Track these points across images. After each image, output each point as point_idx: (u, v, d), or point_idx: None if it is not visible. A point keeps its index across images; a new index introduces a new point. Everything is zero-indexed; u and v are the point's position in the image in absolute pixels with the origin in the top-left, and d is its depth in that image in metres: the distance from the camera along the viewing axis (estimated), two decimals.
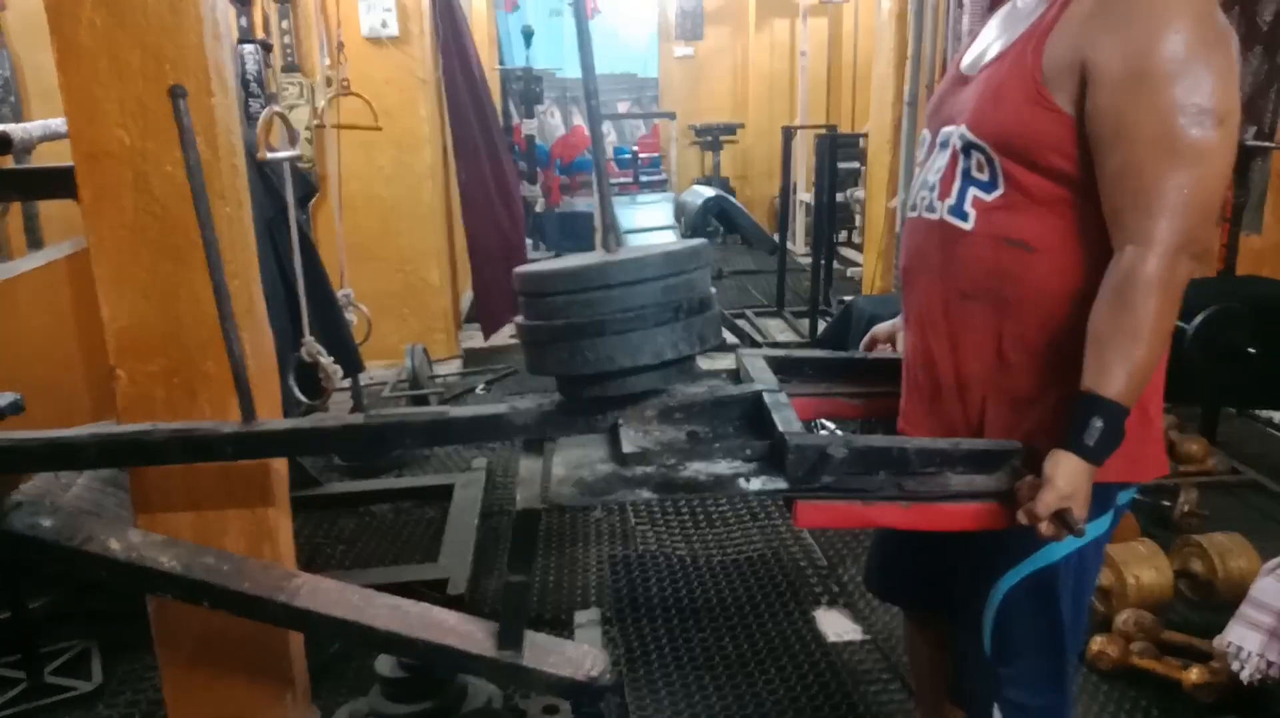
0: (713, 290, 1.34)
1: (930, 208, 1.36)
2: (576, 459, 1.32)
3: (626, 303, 1.24)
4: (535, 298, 1.31)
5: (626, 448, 1.28)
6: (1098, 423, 1.16)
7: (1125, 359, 1.15)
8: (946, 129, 1.35)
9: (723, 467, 1.26)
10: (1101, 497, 1.30)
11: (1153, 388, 1.30)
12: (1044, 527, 1.18)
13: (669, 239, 6.77)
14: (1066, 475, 1.17)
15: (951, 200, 1.32)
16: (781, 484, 1.23)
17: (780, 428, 1.25)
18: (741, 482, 1.25)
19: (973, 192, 1.29)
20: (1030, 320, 1.27)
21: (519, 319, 1.35)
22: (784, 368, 1.56)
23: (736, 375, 1.54)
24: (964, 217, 1.30)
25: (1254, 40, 3.99)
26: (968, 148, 1.29)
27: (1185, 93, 1.12)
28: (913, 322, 1.43)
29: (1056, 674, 1.37)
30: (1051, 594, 1.32)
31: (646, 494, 1.26)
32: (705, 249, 1.35)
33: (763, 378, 1.45)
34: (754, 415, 1.35)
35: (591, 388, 1.31)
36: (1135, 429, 1.28)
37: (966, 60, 1.39)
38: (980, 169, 1.28)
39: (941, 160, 1.35)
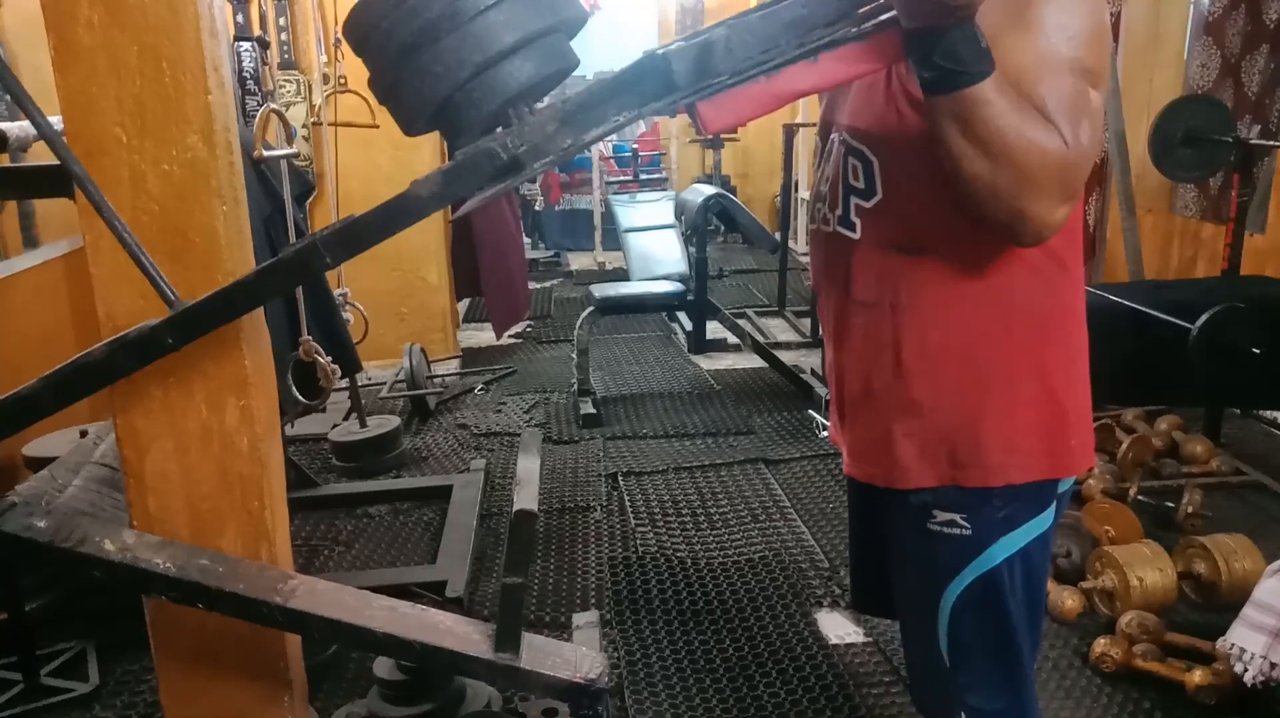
0: None
1: (825, 220, 1.35)
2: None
3: None
4: (366, 40, 1.19)
5: (516, 147, 1.17)
6: (981, 40, 1.04)
7: (1002, 95, 1.06)
8: (833, 135, 1.34)
9: (622, 119, 1.18)
10: (1040, 492, 1.30)
11: (1068, 381, 1.30)
12: None
13: (669, 236, 6.76)
14: None
15: (839, 211, 1.31)
16: (677, 95, 1.14)
17: (661, 51, 1.13)
18: (639, 113, 1.16)
19: (854, 200, 1.28)
20: (926, 325, 1.25)
21: (372, 84, 1.23)
22: None
23: None
24: (851, 226, 1.29)
25: (1260, 39, 3.98)
26: (846, 154, 1.28)
27: (1060, 39, 1.10)
28: (827, 335, 1.43)
29: (1014, 676, 1.35)
30: (999, 596, 1.31)
31: (539, 172, 1.20)
32: None
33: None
34: (654, 73, 1.17)
35: (467, 111, 1.18)
36: (1054, 423, 1.27)
37: None
38: (856, 176, 1.27)
39: (829, 169, 1.34)
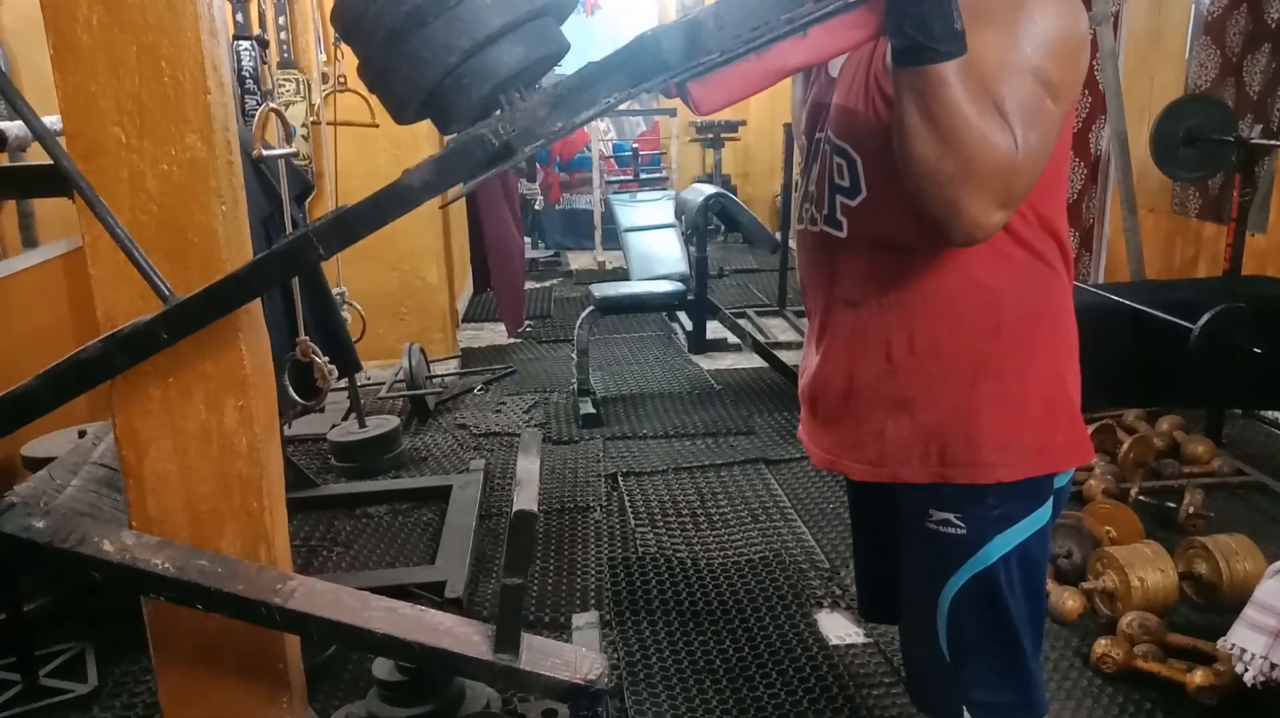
0: None
1: (813, 220, 1.35)
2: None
3: None
4: (353, 26, 1.19)
5: (506, 132, 1.16)
6: (958, 12, 1.03)
7: (963, 84, 1.04)
8: (817, 136, 1.34)
9: (613, 99, 1.17)
10: (1034, 488, 1.29)
11: (1058, 378, 1.30)
12: None
13: (670, 235, 6.75)
14: None
15: (825, 210, 1.31)
16: (668, 74, 1.13)
17: (649, 32, 1.13)
18: (630, 94, 1.16)
19: (840, 199, 1.28)
20: (914, 323, 1.26)
21: (361, 72, 1.23)
22: None
23: None
24: (837, 225, 1.29)
25: (1262, 38, 3.98)
26: (831, 153, 1.28)
27: (1030, 45, 1.10)
28: (811, 337, 1.43)
29: (1017, 670, 1.35)
30: (996, 594, 1.31)
31: (530, 155, 1.18)
32: None
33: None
34: (644, 52, 1.16)
35: (457, 97, 1.17)
36: (1045, 420, 1.28)
37: (834, 63, 1.35)
38: (841, 174, 1.27)
39: (816, 169, 1.34)
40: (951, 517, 1.29)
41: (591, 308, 4.45)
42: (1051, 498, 1.33)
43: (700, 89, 1.13)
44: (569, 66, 1.31)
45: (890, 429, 1.30)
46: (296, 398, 2.75)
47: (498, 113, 1.19)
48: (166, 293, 1.50)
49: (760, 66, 1.11)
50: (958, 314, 1.24)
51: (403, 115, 1.25)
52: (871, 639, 2.44)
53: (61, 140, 1.59)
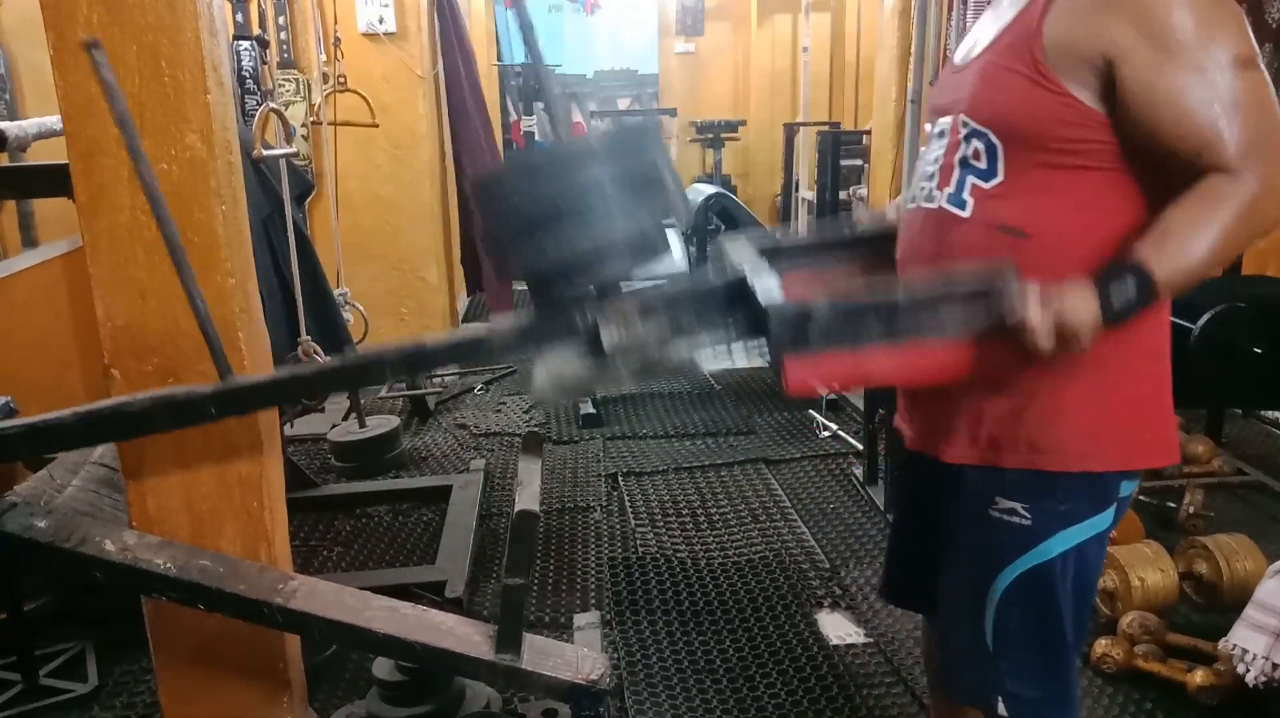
0: (667, 165, 1.33)
1: (929, 198, 1.35)
2: (558, 366, 1.30)
3: (577, 185, 1.22)
4: (491, 203, 1.30)
5: (607, 344, 1.25)
6: (1130, 283, 1.13)
7: (1183, 251, 1.14)
8: (944, 119, 1.35)
9: (704, 338, 1.26)
10: (1103, 489, 1.30)
11: (1152, 375, 1.30)
12: (1040, 333, 1.13)
13: (669, 235, 6.74)
14: (1077, 301, 1.13)
15: (950, 189, 1.31)
16: (765, 347, 1.21)
17: (761, 299, 1.22)
18: (725, 350, 1.24)
19: (971, 179, 1.29)
20: None
21: (477, 232, 1.35)
22: (771, 255, 1.50)
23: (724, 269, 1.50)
24: (962, 205, 1.29)
25: (1263, 38, 3.98)
26: (968, 135, 1.29)
27: (1216, 50, 1.14)
28: None
29: (1058, 666, 1.36)
30: (1050, 588, 1.31)
31: (628, 380, 1.26)
32: (653, 124, 1.35)
33: (748, 261, 1.41)
34: (739, 297, 1.30)
35: (560, 284, 1.28)
36: (1134, 415, 1.28)
37: (960, 53, 1.40)
38: (978, 157, 1.28)
39: (939, 150, 1.35)
40: (1019, 506, 1.29)
41: None
42: (1116, 504, 1.33)
43: (796, 370, 1.19)
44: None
45: (978, 413, 1.31)
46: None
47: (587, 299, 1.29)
48: (227, 371, 1.49)
49: (855, 366, 1.19)
50: None
51: (503, 276, 1.37)
52: (872, 639, 2.44)
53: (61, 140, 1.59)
